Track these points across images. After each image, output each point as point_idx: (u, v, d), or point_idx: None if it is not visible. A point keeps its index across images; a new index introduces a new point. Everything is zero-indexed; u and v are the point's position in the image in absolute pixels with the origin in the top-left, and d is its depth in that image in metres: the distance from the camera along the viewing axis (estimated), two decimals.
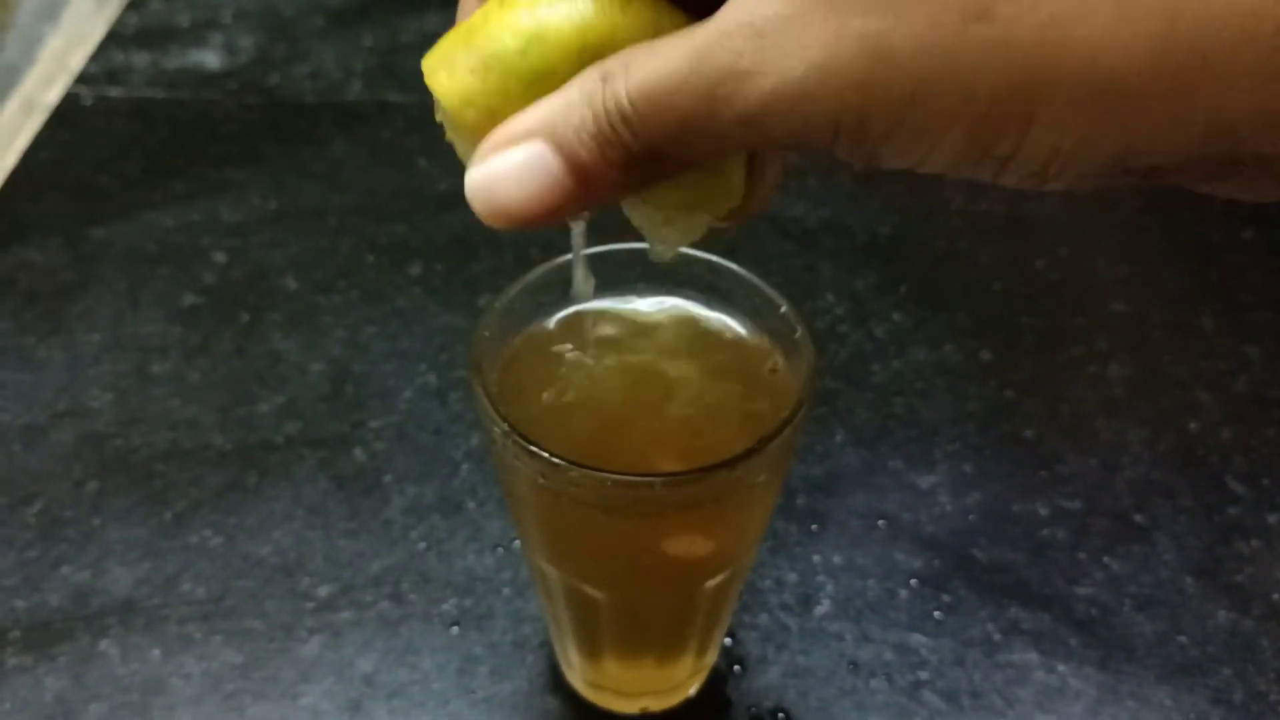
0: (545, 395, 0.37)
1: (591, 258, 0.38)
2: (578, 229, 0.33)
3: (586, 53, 0.25)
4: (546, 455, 0.32)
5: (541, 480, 0.33)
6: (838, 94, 0.22)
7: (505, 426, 0.32)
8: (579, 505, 0.34)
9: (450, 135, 0.28)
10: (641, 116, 0.23)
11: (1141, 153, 0.22)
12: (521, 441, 0.32)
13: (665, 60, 0.23)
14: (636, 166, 0.24)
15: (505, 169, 0.25)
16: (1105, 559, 0.50)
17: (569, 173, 0.24)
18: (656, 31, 0.25)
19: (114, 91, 0.78)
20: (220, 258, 0.65)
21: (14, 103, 0.78)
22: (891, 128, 0.22)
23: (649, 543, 0.35)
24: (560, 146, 0.24)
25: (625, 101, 0.23)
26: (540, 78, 0.25)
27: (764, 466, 0.33)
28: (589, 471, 0.31)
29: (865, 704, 0.45)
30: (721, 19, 0.23)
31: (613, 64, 0.24)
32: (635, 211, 0.28)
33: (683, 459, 0.34)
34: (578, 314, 0.38)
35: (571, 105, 0.24)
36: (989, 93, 0.21)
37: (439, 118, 0.27)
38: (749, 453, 0.32)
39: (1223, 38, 0.20)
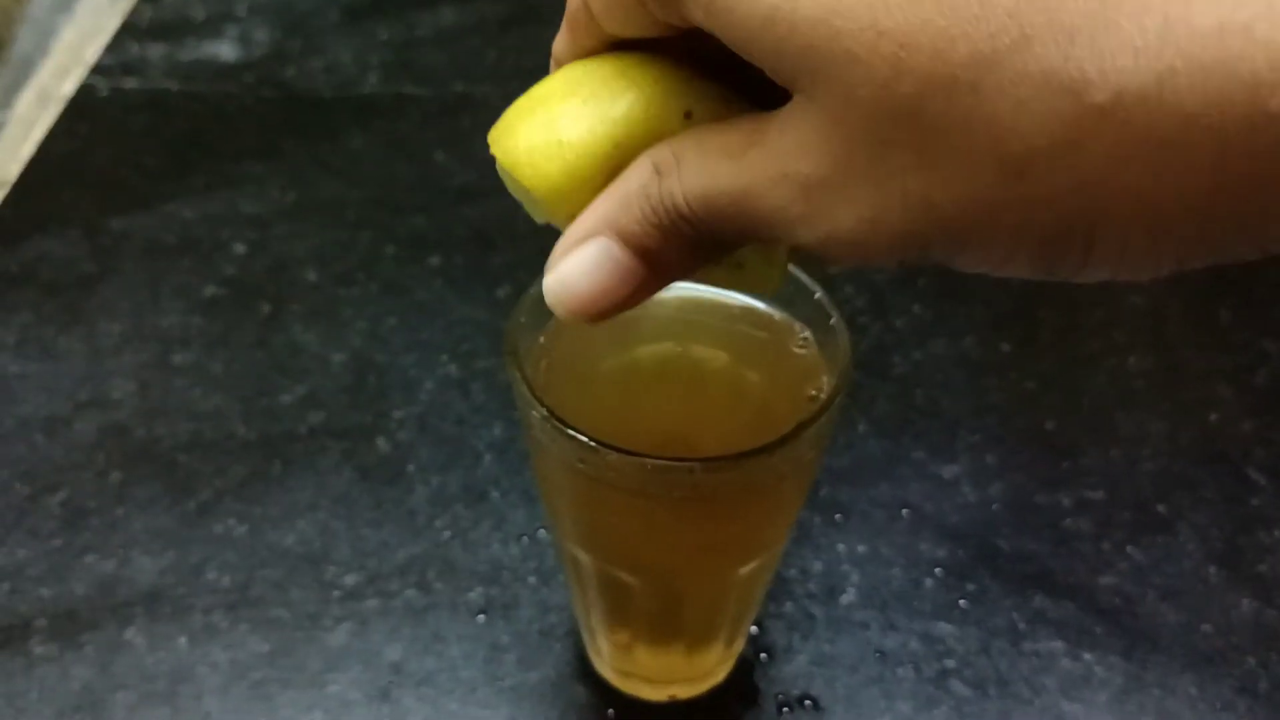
0: (581, 380, 0.37)
1: None
2: None
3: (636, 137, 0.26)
4: (585, 439, 0.32)
5: (579, 465, 0.33)
6: (891, 240, 0.23)
7: (544, 411, 0.33)
8: (616, 490, 0.34)
9: (512, 189, 0.29)
10: (699, 216, 0.25)
11: (1225, 256, 0.22)
12: (560, 426, 0.32)
13: (718, 178, 0.24)
14: (701, 248, 0.26)
15: (578, 269, 0.26)
16: (1128, 549, 0.50)
17: (638, 261, 0.26)
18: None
19: (129, 83, 0.78)
20: (240, 249, 0.65)
21: (29, 94, 0.78)
22: (954, 257, 0.23)
23: (685, 528, 0.36)
24: (625, 239, 0.26)
25: (681, 201, 0.25)
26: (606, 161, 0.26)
27: (801, 452, 0.33)
28: (628, 455, 0.32)
29: (893, 692, 0.45)
30: (765, 161, 0.24)
31: (664, 157, 0.25)
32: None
33: (719, 444, 0.34)
34: None
35: (630, 199, 0.25)
36: (1044, 232, 0.21)
37: (502, 175, 0.28)
38: (787, 438, 0.32)
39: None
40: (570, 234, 0.26)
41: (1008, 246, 0.22)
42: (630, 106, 0.26)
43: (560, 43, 0.29)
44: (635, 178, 0.25)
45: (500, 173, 0.28)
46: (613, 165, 0.26)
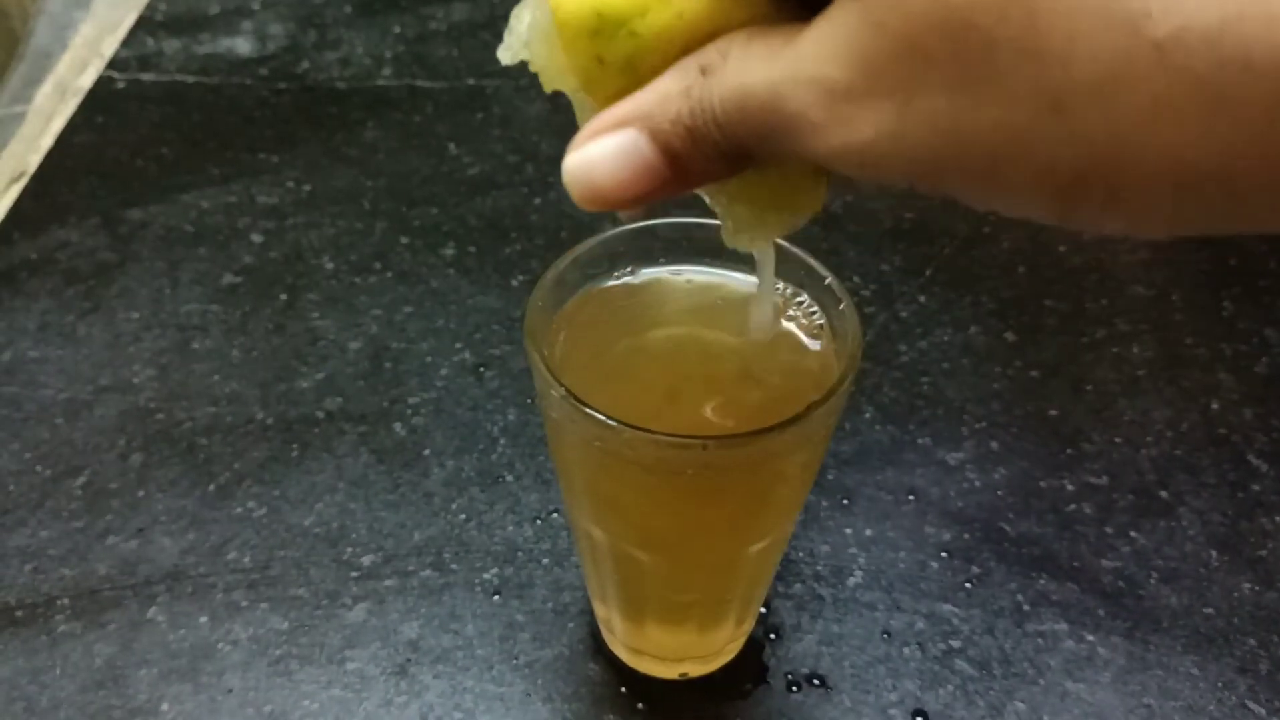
0: (597, 361, 0.38)
1: (639, 231, 0.39)
2: (766, 259, 0.34)
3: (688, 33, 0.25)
4: (602, 417, 0.33)
5: (595, 443, 0.34)
6: (909, 160, 0.22)
7: (563, 390, 0.33)
8: (631, 468, 0.35)
9: (540, 62, 0.28)
10: (730, 121, 0.24)
11: (1242, 225, 0.21)
12: (578, 404, 0.33)
13: (753, 77, 0.24)
14: (725, 159, 0.25)
15: (602, 154, 0.26)
16: (1131, 533, 0.51)
17: (663, 159, 0.25)
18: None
19: (146, 77, 0.79)
20: (257, 239, 0.66)
21: (47, 87, 0.79)
22: (969, 189, 0.22)
23: (697, 505, 0.36)
24: (655, 135, 0.25)
25: (716, 104, 0.24)
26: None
27: (811, 431, 0.34)
28: (643, 433, 0.32)
29: (899, 670, 0.46)
30: (797, 62, 0.23)
31: (712, 57, 0.25)
32: (722, 208, 0.30)
33: (732, 423, 0.35)
34: (625, 285, 0.40)
35: (670, 97, 0.25)
36: (1069, 174, 0.21)
37: (527, 52, 0.28)
38: (797, 417, 0.33)
39: None
40: (602, 119, 0.26)
41: (1027, 186, 0.21)
42: None
43: None
44: (679, 77, 0.25)
45: (516, 36, 0.27)
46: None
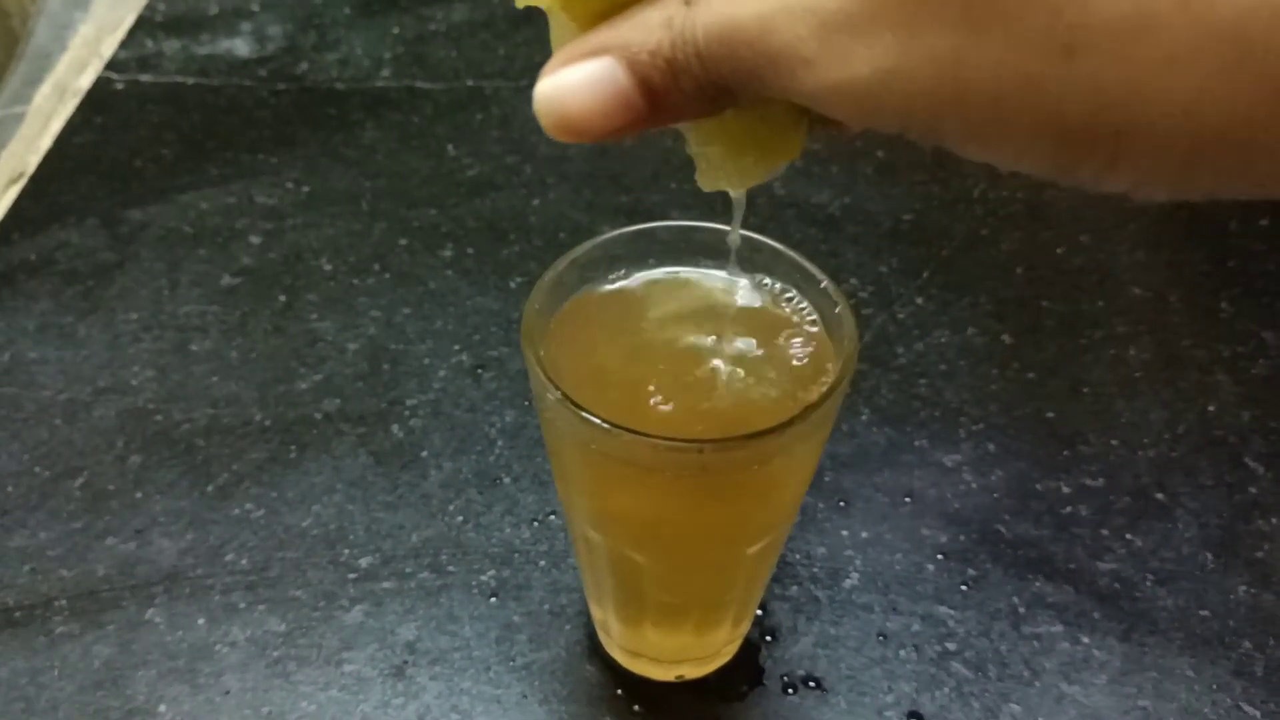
0: (593, 364, 0.38)
1: (634, 234, 0.39)
2: (739, 203, 0.34)
3: None
4: (598, 420, 0.33)
5: (592, 446, 0.34)
6: (905, 100, 0.21)
7: (559, 393, 0.34)
8: (627, 470, 0.35)
9: None
10: (713, 56, 0.23)
11: (1249, 187, 0.20)
12: (574, 408, 0.33)
13: (741, 7, 0.22)
14: (704, 96, 0.24)
15: (576, 81, 0.24)
16: (1127, 535, 0.51)
17: (639, 92, 0.24)
18: None
19: (145, 78, 0.79)
20: (256, 240, 0.66)
21: (46, 87, 0.79)
22: (965, 135, 0.21)
23: (694, 507, 0.37)
24: (632, 66, 0.24)
25: (699, 36, 0.23)
26: None
27: (807, 433, 0.34)
28: (639, 436, 0.33)
29: (895, 673, 0.46)
30: None
31: None
32: (696, 146, 0.29)
33: (728, 426, 0.35)
34: (622, 288, 0.40)
35: (651, 26, 0.24)
36: (1076, 122, 0.20)
37: None
38: (794, 420, 0.33)
39: None
40: (578, 44, 0.25)
41: (1029, 133, 0.20)
42: None
43: None
44: (662, 4, 0.24)
45: None
46: None
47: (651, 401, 0.37)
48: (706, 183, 0.30)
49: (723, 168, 0.29)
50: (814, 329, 0.38)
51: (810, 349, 0.38)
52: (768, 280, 0.39)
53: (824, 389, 0.34)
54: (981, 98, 0.20)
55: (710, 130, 0.28)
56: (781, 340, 0.39)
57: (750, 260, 0.39)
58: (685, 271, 0.40)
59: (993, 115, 0.20)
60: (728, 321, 0.39)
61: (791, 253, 0.38)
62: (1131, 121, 0.19)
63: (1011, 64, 0.19)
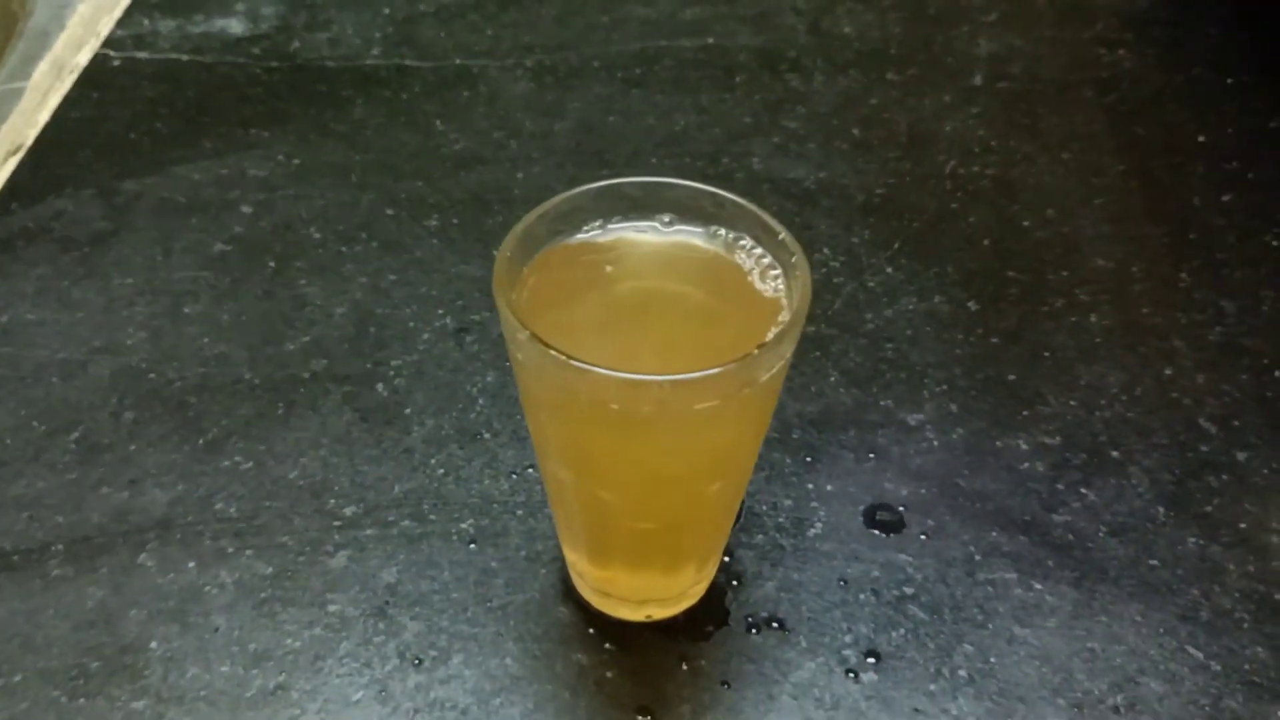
0: (561, 310, 0.40)
1: (606, 189, 0.41)
2: None
3: None
4: (565, 357, 0.35)
5: (560, 384, 0.36)
6: None
7: (528, 334, 0.36)
8: (594, 407, 0.37)
9: None
10: None
11: None
12: (544, 346, 0.35)
13: None
14: None
15: None
16: (1082, 490, 0.53)
17: None
18: None
19: (141, 55, 0.81)
20: (247, 210, 0.68)
21: (45, 64, 0.81)
22: None
23: (656, 444, 0.39)
24: None
25: None
26: None
27: (758, 373, 0.36)
28: (604, 372, 0.35)
29: (854, 615, 0.48)
30: None
31: None
32: None
33: (687, 365, 0.38)
34: (591, 239, 0.42)
35: None
36: None
37: None
38: (745, 356, 0.35)
39: None
40: None
41: None
42: None
43: None
44: None
45: None
46: None
47: (617, 345, 0.39)
48: None
49: None
50: (775, 280, 0.40)
51: (772, 298, 0.40)
52: (730, 233, 0.41)
53: (780, 327, 0.36)
54: None
55: None
56: (746, 291, 0.41)
57: (714, 215, 0.42)
58: (652, 224, 0.42)
59: None
60: (691, 271, 0.41)
61: (753, 206, 0.40)
62: None
63: None
